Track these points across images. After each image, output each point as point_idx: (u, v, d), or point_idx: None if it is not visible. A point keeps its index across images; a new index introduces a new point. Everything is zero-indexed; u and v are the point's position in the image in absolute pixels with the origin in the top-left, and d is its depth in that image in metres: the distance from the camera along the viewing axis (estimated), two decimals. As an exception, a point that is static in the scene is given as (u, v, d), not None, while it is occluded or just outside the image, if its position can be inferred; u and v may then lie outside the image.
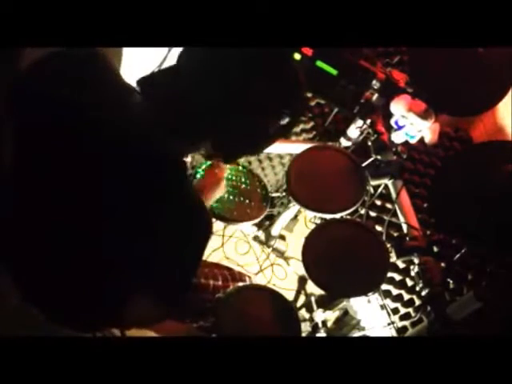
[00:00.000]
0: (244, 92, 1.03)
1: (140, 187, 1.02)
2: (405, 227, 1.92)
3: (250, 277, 1.80)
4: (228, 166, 1.64)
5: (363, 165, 1.91)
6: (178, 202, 1.06)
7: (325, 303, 2.10)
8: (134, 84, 1.11)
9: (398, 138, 1.89)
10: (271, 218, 2.28)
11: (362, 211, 1.95)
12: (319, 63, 1.85)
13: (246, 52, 1.03)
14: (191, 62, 1.05)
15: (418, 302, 2.16)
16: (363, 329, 2.00)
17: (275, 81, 1.06)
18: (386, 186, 2.01)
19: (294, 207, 2.12)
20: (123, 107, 1.07)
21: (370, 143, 1.92)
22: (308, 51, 1.83)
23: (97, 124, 1.03)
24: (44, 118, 1.04)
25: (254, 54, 1.03)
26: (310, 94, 2.35)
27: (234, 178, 1.85)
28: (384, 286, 2.18)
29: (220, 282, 1.61)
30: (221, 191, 1.55)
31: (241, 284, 1.67)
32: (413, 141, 1.90)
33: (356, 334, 2.02)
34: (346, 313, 2.10)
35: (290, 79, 1.09)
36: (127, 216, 1.02)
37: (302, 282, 2.34)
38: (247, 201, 1.82)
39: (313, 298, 2.14)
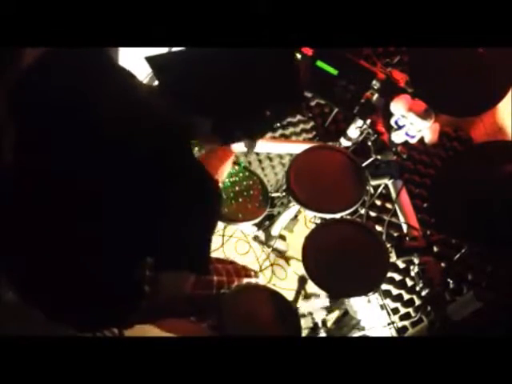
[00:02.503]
0: (246, 79, 1.06)
1: (148, 165, 1.04)
2: (405, 227, 1.92)
3: (254, 271, 1.79)
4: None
5: (363, 165, 1.91)
6: (188, 172, 1.09)
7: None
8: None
9: (398, 137, 1.89)
10: (271, 218, 2.28)
11: (362, 211, 1.95)
12: (319, 63, 1.85)
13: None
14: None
15: (418, 302, 2.16)
16: (363, 329, 2.00)
17: (275, 68, 1.09)
18: (386, 186, 2.01)
19: (294, 207, 2.12)
20: (128, 91, 1.09)
21: (370, 143, 1.92)
22: (308, 51, 1.83)
23: (102, 109, 1.04)
24: (49, 111, 1.04)
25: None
26: (310, 94, 2.35)
27: (233, 177, 1.85)
28: (384, 286, 2.18)
29: (224, 277, 1.61)
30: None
31: (242, 283, 1.67)
32: (413, 141, 1.90)
33: (356, 334, 2.02)
34: (345, 313, 2.10)
35: (288, 67, 1.11)
36: (136, 198, 1.04)
37: (301, 281, 2.34)
38: (247, 201, 1.82)
39: (313, 298, 2.14)
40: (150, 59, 1.10)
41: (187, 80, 1.06)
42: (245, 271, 1.71)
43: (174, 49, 1.11)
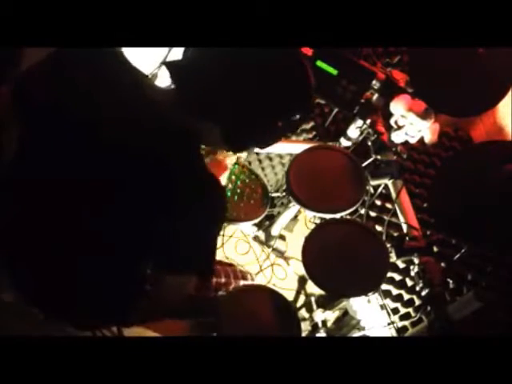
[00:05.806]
0: (258, 86, 1.06)
1: (154, 165, 1.04)
2: (405, 227, 1.92)
3: (251, 274, 1.80)
4: (231, 162, 1.65)
5: (363, 165, 1.91)
6: (194, 176, 1.09)
7: (325, 303, 2.10)
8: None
9: (398, 137, 1.89)
10: (271, 218, 2.28)
11: (362, 211, 1.95)
12: (319, 63, 1.85)
13: (262, 50, 1.06)
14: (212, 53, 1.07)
15: (418, 302, 2.16)
16: (363, 329, 2.00)
17: (288, 79, 1.10)
18: (386, 186, 2.01)
19: (294, 207, 2.12)
20: (135, 91, 1.09)
21: (370, 143, 1.92)
22: (308, 51, 1.83)
23: (110, 109, 1.05)
24: (54, 110, 1.05)
25: (270, 51, 1.06)
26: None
27: (233, 177, 1.86)
28: (384, 286, 2.18)
29: (222, 279, 1.61)
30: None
31: (241, 283, 1.67)
32: (413, 141, 1.90)
33: (356, 334, 2.02)
34: (345, 313, 2.10)
35: (301, 78, 1.11)
36: (142, 196, 1.04)
37: (301, 282, 2.34)
38: (247, 201, 1.82)
39: (313, 298, 2.14)
40: (169, 65, 1.10)
41: (205, 86, 1.06)
42: (242, 273, 1.72)
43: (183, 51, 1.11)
